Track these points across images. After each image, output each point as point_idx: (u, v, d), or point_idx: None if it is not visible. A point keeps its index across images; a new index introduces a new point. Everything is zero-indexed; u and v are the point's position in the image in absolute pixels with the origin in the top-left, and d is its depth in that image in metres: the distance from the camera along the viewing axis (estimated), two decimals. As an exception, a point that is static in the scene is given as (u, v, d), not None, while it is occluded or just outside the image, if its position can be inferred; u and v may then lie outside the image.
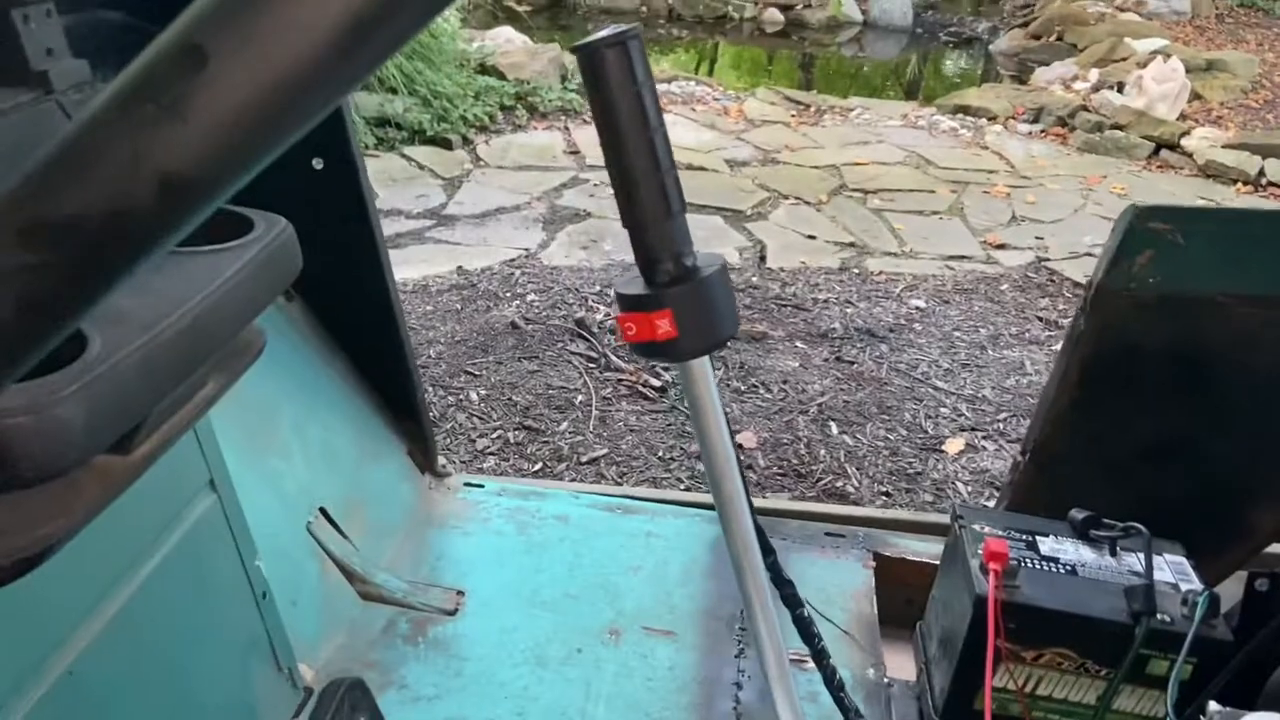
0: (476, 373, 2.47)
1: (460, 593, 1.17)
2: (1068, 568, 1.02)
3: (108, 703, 0.76)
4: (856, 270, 3.39)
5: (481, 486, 1.36)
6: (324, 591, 1.09)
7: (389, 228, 3.44)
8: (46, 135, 0.64)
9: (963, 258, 3.59)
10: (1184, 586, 1.01)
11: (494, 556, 1.23)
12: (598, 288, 2.95)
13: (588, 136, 4.67)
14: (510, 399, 2.35)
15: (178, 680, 0.84)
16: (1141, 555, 1.04)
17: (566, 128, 4.76)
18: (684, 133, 4.86)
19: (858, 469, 2.22)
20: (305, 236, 0.77)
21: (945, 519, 1.62)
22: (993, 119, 5.39)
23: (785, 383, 2.54)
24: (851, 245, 3.64)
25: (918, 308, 3.08)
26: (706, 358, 0.65)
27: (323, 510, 1.14)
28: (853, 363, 2.67)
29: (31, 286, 0.34)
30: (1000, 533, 1.06)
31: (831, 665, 0.82)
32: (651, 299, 0.60)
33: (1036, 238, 3.82)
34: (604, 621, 1.14)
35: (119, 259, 0.33)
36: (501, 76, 4.92)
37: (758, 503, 1.93)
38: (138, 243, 0.33)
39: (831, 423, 2.38)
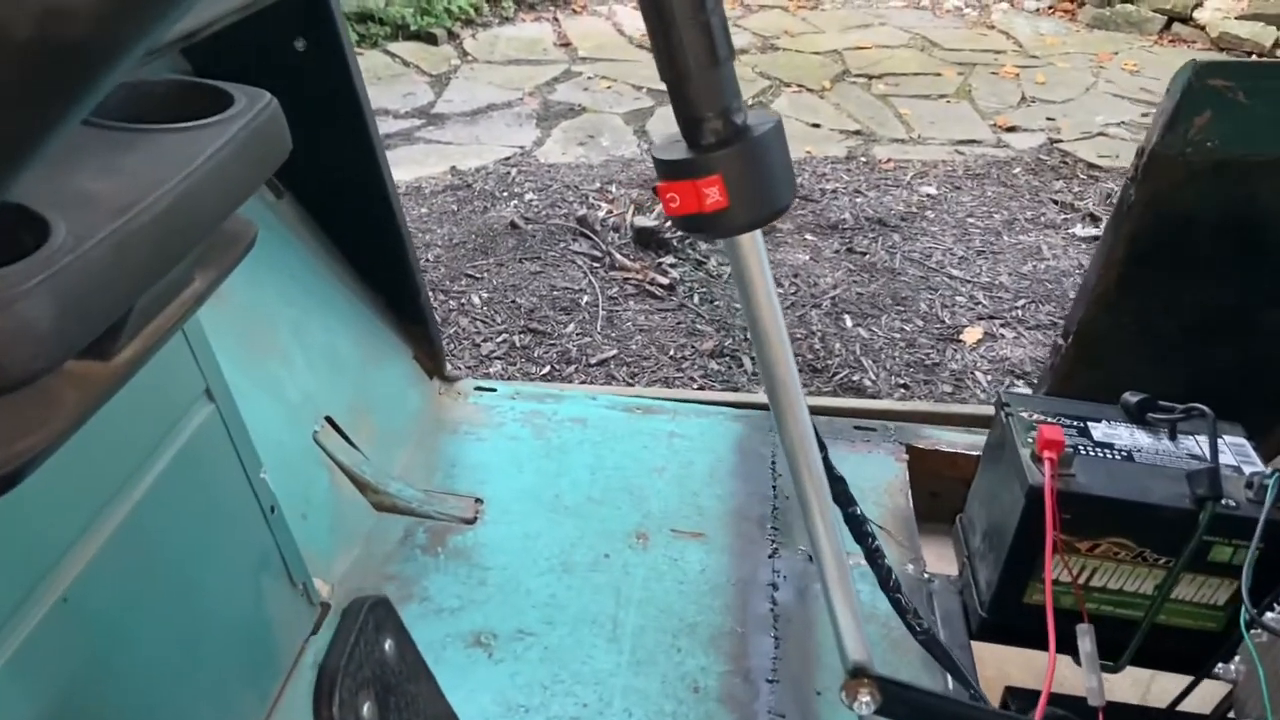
0: (477, 275, 2.38)
1: (479, 500, 1.12)
2: (1124, 453, 0.96)
3: (109, 629, 0.70)
4: (864, 158, 3.28)
5: (494, 390, 1.29)
6: (335, 503, 1.03)
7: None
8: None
9: (972, 142, 3.48)
10: (1247, 469, 0.95)
11: (511, 462, 1.17)
12: (598, 184, 2.85)
13: (579, 27, 4.49)
14: (513, 301, 2.27)
15: (184, 602, 0.79)
16: (1201, 438, 0.98)
17: (556, 18, 4.56)
18: (678, 21, 4.67)
19: (874, 362, 2.16)
20: (291, 125, 0.68)
21: (971, 409, 1.56)
22: (987, -3, 5.19)
23: (796, 276, 2.46)
24: (858, 133, 3.51)
25: (929, 195, 2.97)
26: (759, 231, 0.57)
27: (329, 419, 1.07)
28: (865, 253, 2.59)
29: None
30: (1051, 419, 1.00)
31: (887, 565, 0.77)
32: (698, 164, 0.52)
33: (1048, 119, 3.69)
34: (630, 525, 1.09)
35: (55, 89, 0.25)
36: (485, -34, 4.70)
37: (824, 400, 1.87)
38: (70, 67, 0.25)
39: (846, 316, 2.31)
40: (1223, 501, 0.90)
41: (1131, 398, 1.02)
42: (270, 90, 0.68)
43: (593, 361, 2.07)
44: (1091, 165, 3.28)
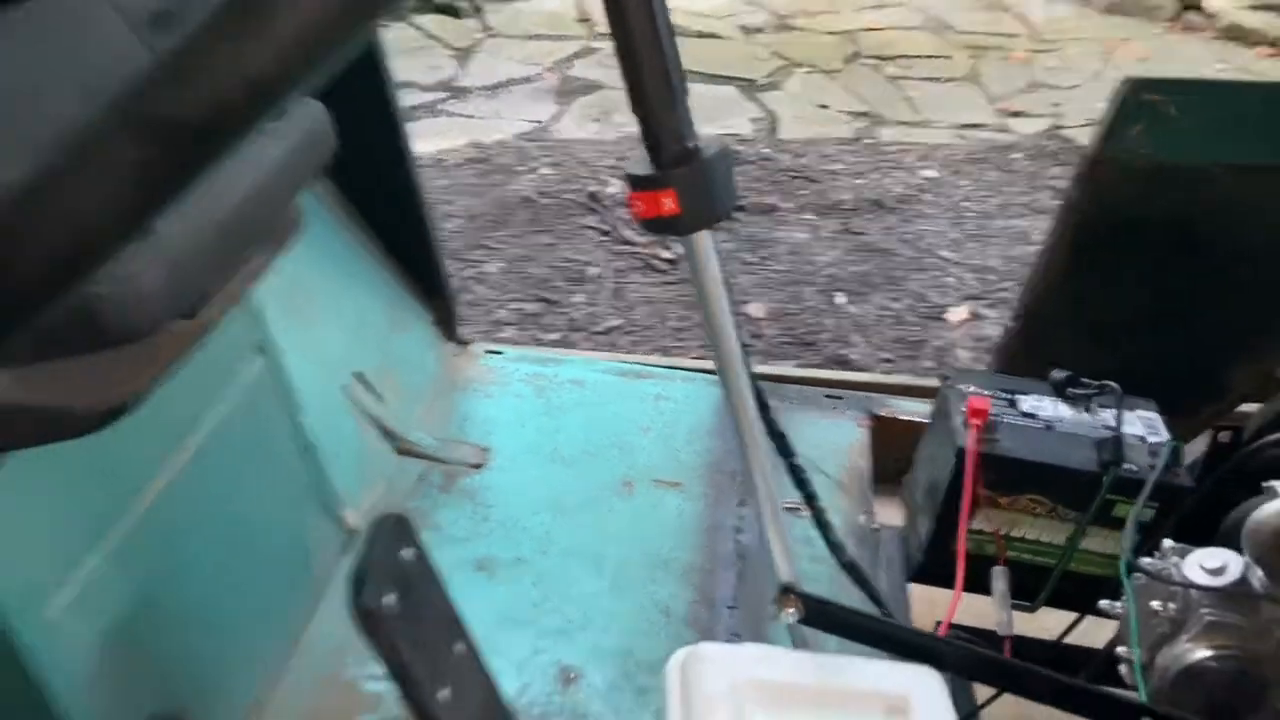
0: (494, 246, 2.53)
1: (485, 449, 1.27)
2: (1044, 423, 1.11)
3: (176, 544, 0.86)
4: (869, 140, 3.39)
5: (501, 354, 1.45)
6: (362, 447, 1.19)
7: (402, 100, 3.45)
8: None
9: (976, 126, 3.58)
10: (1151, 439, 1.09)
11: (515, 418, 1.33)
12: (610, 161, 2.98)
13: (598, 1, 4.60)
14: (526, 272, 2.42)
15: (237, 524, 0.95)
16: (1114, 411, 1.12)
17: (576, -8, 4.67)
18: (697, -1, 4.76)
19: (862, 337, 2.30)
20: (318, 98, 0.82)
21: (934, 383, 1.71)
22: (1018, -21, 5.24)
23: (794, 254, 2.59)
24: (865, 115, 3.62)
25: (929, 178, 3.09)
26: (708, 232, 0.71)
27: (357, 375, 1.23)
28: (861, 234, 2.72)
29: (139, 177, 0.41)
30: (984, 392, 1.14)
31: (821, 508, 0.91)
32: (657, 179, 0.66)
33: (1053, 104, 3.78)
34: (617, 475, 1.24)
35: (215, 150, 0.40)
36: (510, -60, 4.79)
37: (765, 370, 2.02)
38: (229, 135, 0.40)
39: (838, 293, 2.44)
40: (1124, 466, 1.05)
41: (1058, 374, 1.16)
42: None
43: (598, 330, 2.22)
44: (1090, 152, 3.39)
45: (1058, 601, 1.11)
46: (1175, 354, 1.28)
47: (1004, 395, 1.15)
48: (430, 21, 4.19)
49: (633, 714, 0.94)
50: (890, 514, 1.34)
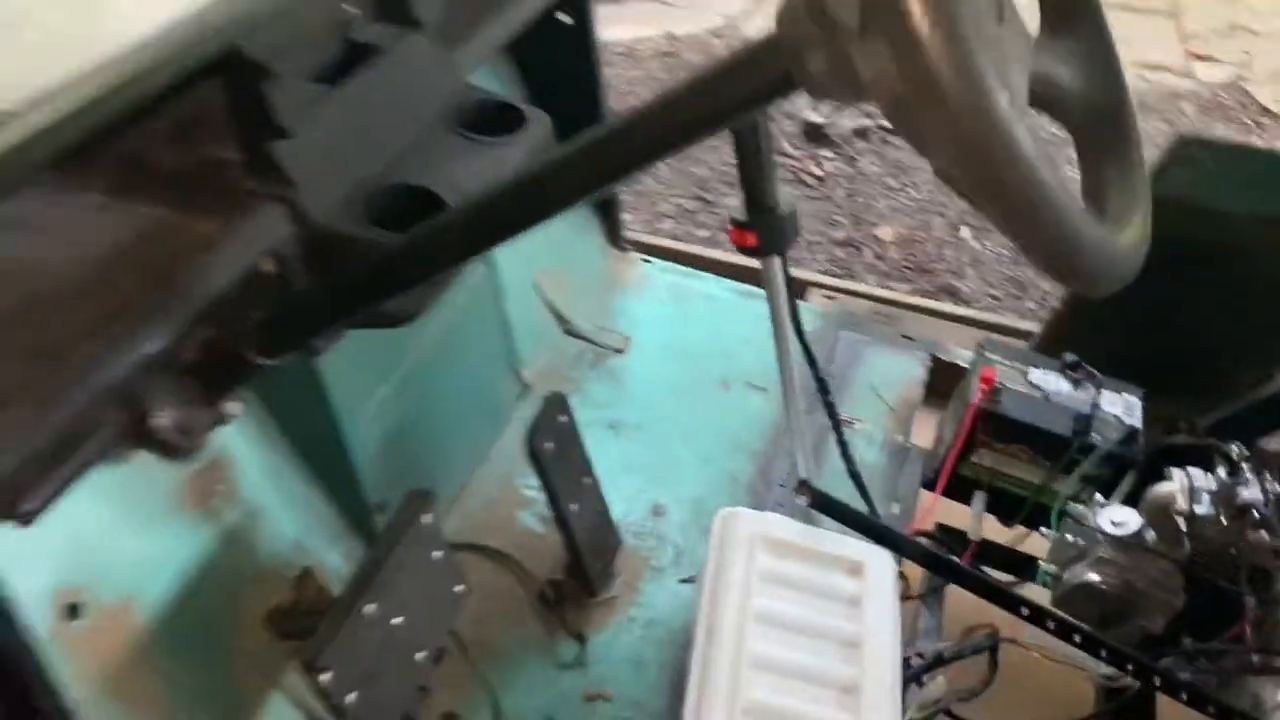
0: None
1: (628, 338, 1.71)
2: (1043, 393, 1.45)
3: (428, 381, 1.33)
4: (1042, 72, 3.51)
5: (651, 262, 1.87)
6: (541, 326, 1.64)
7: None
8: (417, 64, 1.11)
9: (1159, 68, 3.63)
10: (1126, 420, 1.43)
11: (654, 317, 1.75)
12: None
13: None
14: (689, 171, 2.79)
15: (460, 371, 1.42)
16: (1107, 392, 1.46)
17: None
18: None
19: (976, 272, 2.59)
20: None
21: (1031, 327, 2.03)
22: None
23: (934, 183, 2.86)
24: (1047, 43, 3.71)
25: (1087, 121, 3.23)
26: (777, 257, 1.10)
27: (544, 272, 1.67)
28: (1003, 172, 2.94)
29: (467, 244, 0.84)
30: (1006, 363, 1.49)
31: (842, 428, 1.31)
32: (745, 223, 1.05)
33: (1244, 51, 3.76)
34: (720, 374, 1.65)
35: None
36: None
37: (880, 292, 2.38)
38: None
39: (964, 227, 2.72)
40: (1091, 436, 1.39)
41: (1068, 357, 1.50)
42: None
43: (744, 233, 2.59)
44: (1265, 110, 3.42)
45: (1028, 522, 1.48)
46: (1193, 355, 1.58)
47: (1020, 367, 1.49)
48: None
49: (696, 542, 1.39)
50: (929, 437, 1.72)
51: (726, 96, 0.69)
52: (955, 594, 1.41)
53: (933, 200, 2.79)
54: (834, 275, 2.49)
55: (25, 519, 0.88)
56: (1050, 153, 0.55)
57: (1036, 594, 1.30)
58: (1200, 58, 3.71)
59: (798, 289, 2.02)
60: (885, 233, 2.66)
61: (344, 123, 1.06)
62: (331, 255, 1.00)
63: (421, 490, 1.11)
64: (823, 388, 1.29)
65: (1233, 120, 3.33)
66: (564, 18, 1.62)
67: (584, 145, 0.76)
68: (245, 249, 0.97)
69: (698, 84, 0.70)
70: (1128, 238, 0.69)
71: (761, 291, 1.86)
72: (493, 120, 1.18)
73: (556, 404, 1.26)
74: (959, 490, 1.49)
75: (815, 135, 2.87)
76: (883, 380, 1.71)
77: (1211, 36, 3.85)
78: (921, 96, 0.51)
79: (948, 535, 1.49)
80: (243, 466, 1.13)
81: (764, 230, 1.05)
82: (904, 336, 1.81)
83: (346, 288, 0.95)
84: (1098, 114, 0.76)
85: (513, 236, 0.84)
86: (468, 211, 0.87)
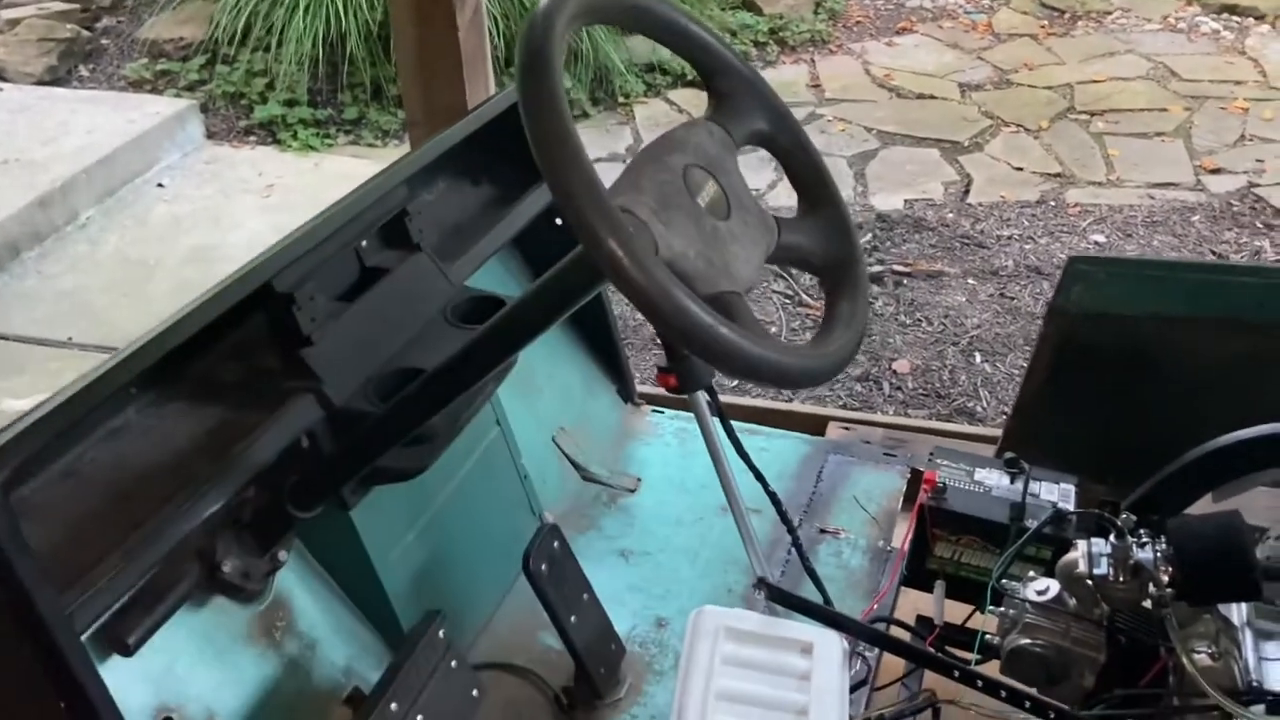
0: (700, 307, 3.23)
1: (638, 479, 1.98)
2: (985, 489, 1.65)
3: (450, 528, 1.63)
4: (1053, 202, 3.76)
5: (662, 413, 2.15)
6: (560, 475, 1.93)
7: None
8: (418, 277, 1.46)
9: (1169, 185, 3.83)
10: (1061, 504, 1.61)
11: (662, 458, 2.02)
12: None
13: (830, 68, 5.13)
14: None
15: (482, 519, 1.71)
16: (1045, 483, 1.64)
17: (812, 59, 5.25)
18: (924, 56, 5.18)
19: (990, 393, 2.78)
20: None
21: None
22: (1260, 18, 5.21)
23: (946, 317, 3.09)
24: (1058, 175, 3.97)
25: (1096, 242, 3.45)
26: (701, 393, 1.37)
27: (561, 428, 1.98)
28: (1013, 299, 3.16)
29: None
30: (953, 466, 1.70)
31: (790, 520, 1.53)
32: (669, 369, 1.33)
33: (1256, 160, 3.93)
34: (720, 501, 1.87)
35: None
36: (758, 12, 5.46)
37: (894, 419, 2.59)
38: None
39: (977, 353, 2.93)
40: (1026, 521, 1.58)
41: (1006, 456, 1.69)
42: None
43: (769, 381, 2.86)
44: (1278, 212, 3.56)
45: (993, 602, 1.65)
46: (1119, 443, 1.76)
47: (966, 469, 1.70)
48: (683, 96, 4.93)
49: (691, 647, 1.61)
50: (921, 541, 1.90)
51: (571, 286, 1.01)
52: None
53: (945, 333, 3.01)
54: (852, 409, 2.72)
55: (128, 651, 1.19)
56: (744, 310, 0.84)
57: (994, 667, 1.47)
58: (1212, 171, 3.90)
59: (818, 423, 2.29)
60: (902, 365, 2.88)
61: (358, 329, 1.40)
62: (351, 427, 1.32)
63: (434, 610, 1.38)
64: (774, 499, 1.53)
65: (1244, 226, 3.48)
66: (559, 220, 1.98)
67: (486, 331, 1.08)
68: (284, 431, 1.30)
69: (550, 280, 1.02)
70: (836, 354, 0.95)
71: (761, 428, 2.13)
72: (482, 310, 1.51)
73: (550, 533, 1.53)
74: (929, 582, 1.68)
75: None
76: (865, 493, 1.93)
77: (1221, 150, 4.04)
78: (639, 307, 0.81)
79: (922, 624, 1.66)
80: (298, 605, 1.42)
81: (683, 374, 1.32)
82: (885, 454, 2.03)
83: (356, 448, 1.26)
84: (836, 265, 1.03)
85: (459, 393, 1.15)
86: (423, 382, 1.18)
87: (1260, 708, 1.26)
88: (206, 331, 1.26)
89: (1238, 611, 1.39)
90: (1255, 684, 1.30)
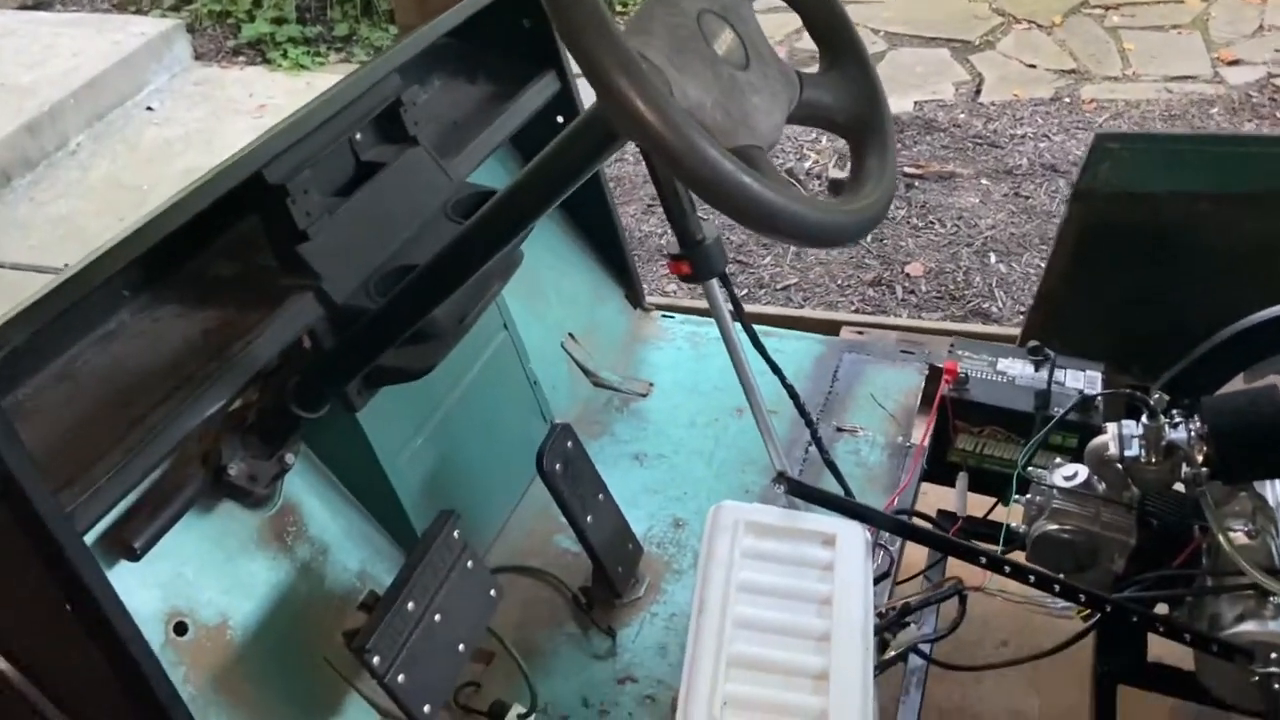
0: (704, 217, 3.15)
1: (650, 384, 1.94)
2: (1009, 379, 1.60)
3: (461, 432, 1.59)
4: (1068, 99, 3.65)
5: (673, 317, 2.10)
6: (571, 381, 1.88)
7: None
8: (416, 172, 1.40)
9: (1187, 78, 3.71)
10: (1088, 391, 1.57)
11: (673, 362, 1.97)
12: (813, 136, 3.49)
13: None
14: (729, 238, 3.02)
15: (494, 424, 1.67)
16: (1071, 371, 1.60)
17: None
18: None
19: (1005, 293, 2.72)
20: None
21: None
22: (1279, -97, 5.01)
23: (960, 218, 3.02)
24: (1072, 72, 3.85)
25: (1112, 139, 3.35)
26: (714, 280, 1.31)
27: (570, 334, 1.93)
28: (1028, 198, 3.08)
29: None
30: (974, 357, 1.65)
31: (809, 414, 1.48)
32: (681, 255, 1.27)
33: (1275, 50, 3.81)
34: (734, 403, 1.85)
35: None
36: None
37: (907, 322, 2.54)
38: None
39: (991, 253, 2.86)
40: (1052, 409, 1.53)
41: (1031, 344, 1.64)
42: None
43: (778, 287, 2.80)
44: (1298, 102, 3.45)
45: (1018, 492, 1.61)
46: (1148, 327, 1.70)
47: (988, 359, 1.65)
48: None
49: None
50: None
51: (575, 157, 0.95)
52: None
53: (959, 234, 2.94)
54: (865, 313, 2.67)
55: (134, 555, 1.16)
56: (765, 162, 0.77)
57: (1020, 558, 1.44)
58: (1230, 63, 3.78)
59: (831, 328, 2.23)
60: (915, 269, 2.82)
61: (356, 224, 1.34)
62: (352, 324, 1.27)
63: (447, 510, 1.35)
64: (791, 393, 1.48)
65: (1263, 118, 3.38)
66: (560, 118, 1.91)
67: (490, 210, 1.02)
68: (284, 329, 1.25)
69: (552, 152, 0.95)
70: (869, 209, 0.89)
71: (774, 329, 2.07)
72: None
73: (563, 433, 1.49)
74: (950, 476, 1.64)
75: (838, 189, 3.07)
76: (882, 391, 1.88)
77: (1240, 41, 3.91)
78: (654, 150, 0.74)
79: (944, 517, 1.63)
80: (309, 510, 1.39)
81: (695, 260, 1.26)
82: (902, 351, 1.98)
83: (358, 346, 1.22)
84: (863, 121, 0.97)
85: (462, 282, 1.09)
86: (424, 271, 1.12)
87: (1298, 584, 1.23)
88: (198, 227, 1.20)
89: (1272, 490, 1.35)
90: (1292, 561, 1.27)
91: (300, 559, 1.37)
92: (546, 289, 1.91)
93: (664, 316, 2.11)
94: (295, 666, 1.34)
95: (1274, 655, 1.21)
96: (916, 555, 1.64)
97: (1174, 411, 1.34)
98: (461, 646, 1.32)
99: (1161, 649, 1.41)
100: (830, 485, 1.51)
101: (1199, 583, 1.31)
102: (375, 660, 1.20)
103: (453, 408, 1.56)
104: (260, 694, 1.29)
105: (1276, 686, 1.21)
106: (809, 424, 1.50)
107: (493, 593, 1.38)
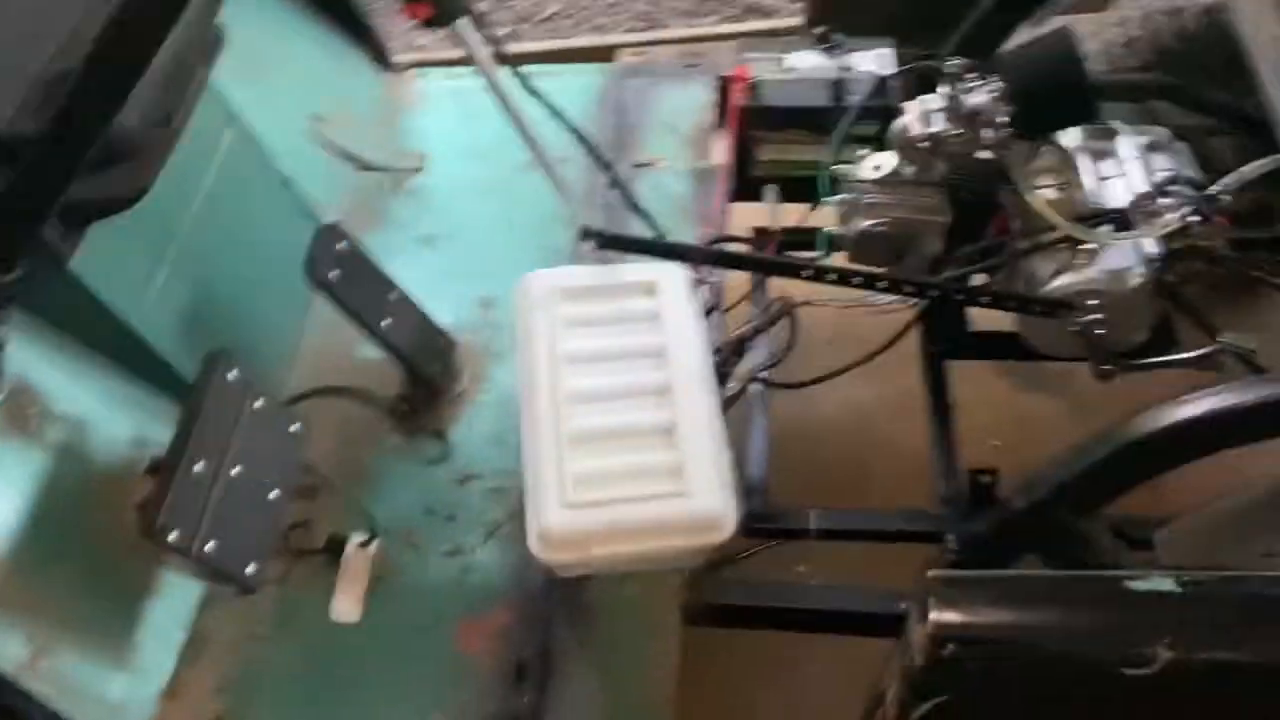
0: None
1: (423, 155, 1.73)
2: (799, 75, 1.49)
3: (213, 269, 1.36)
4: None
5: (427, 75, 1.86)
6: (330, 173, 1.65)
7: None
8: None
9: None
10: (883, 72, 1.47)
11: (443, 127, 1.75)
12: None
13: None
14: (474, -26, 2.70)
15: (254, 240, 1.44)
16: (855, 54, 1.49)
17: None
18: None
19: (777, -16, 2.56)
20: None
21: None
22: None
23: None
24: None
25: None
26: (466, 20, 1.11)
27: (314, 115, 1.66)
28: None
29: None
30: (762, 57, 1.52)
31: (609, 161, 1.35)
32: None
33: None
34: (522, 159, 1.65)
35: None
36: None
37: (684, 33, 2.37)
38: None
39: (756, -58, 2.67)
40: (848, 98, 1.44)
41: (816, 31, 1.52)
42: None
43: (541, 18, 2.55)
44: None
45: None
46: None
47: (775, 57, 1.52)
48: None
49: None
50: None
51: None
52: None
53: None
54: (638, 29, 2.47)
55: None
56: None
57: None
58: None
59: (606, 54, 2.03)
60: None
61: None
62: (18, 158, 1.00)
63: (216, 351, 1.16)
64: (579, 135, 1.33)
65: None
66: None
67: None
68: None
69: None
70: None
71: (545, 67, 1.87)
72: None
73: (330, 233, 1.30)
74: (758, 191, 1.55)
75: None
76: (673, 114, 1.74)
77: None
78: None
79: (760, 234, 1.55)
80: (50, 386, 1.17)
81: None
82: (686, 66, 1.83)
83: (31, 182, 0.97)
84: None
85: (131, 81, 0.86)
86: (83, 74, 0.88)
87: (1107, 227, 1.22)
88: None
89: (1072, 139, 1.33)
90: (1097, 205, 1.26)
91: (55, 441, 1.16)
92: (271, 67, 1.62)
93: (419, 75, 1.86)
94: (92, 561, 1.17)
95: (1091, 303, 1.22)
96: (741, 279, 1.57)
97: (968, 77, 1.27)
98: (275, 494, 1.18)
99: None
100: (638, 229, 1.39)
101: (1012, 247, 1.29)
102: (174, 536, 1.05)
103: (194, 231, 1.32)
104: (62, 603, 1.13)
105: (1097, 331, 1.23)
106: (604, 166, 1.35)
107: (294, 428, 1.23)
